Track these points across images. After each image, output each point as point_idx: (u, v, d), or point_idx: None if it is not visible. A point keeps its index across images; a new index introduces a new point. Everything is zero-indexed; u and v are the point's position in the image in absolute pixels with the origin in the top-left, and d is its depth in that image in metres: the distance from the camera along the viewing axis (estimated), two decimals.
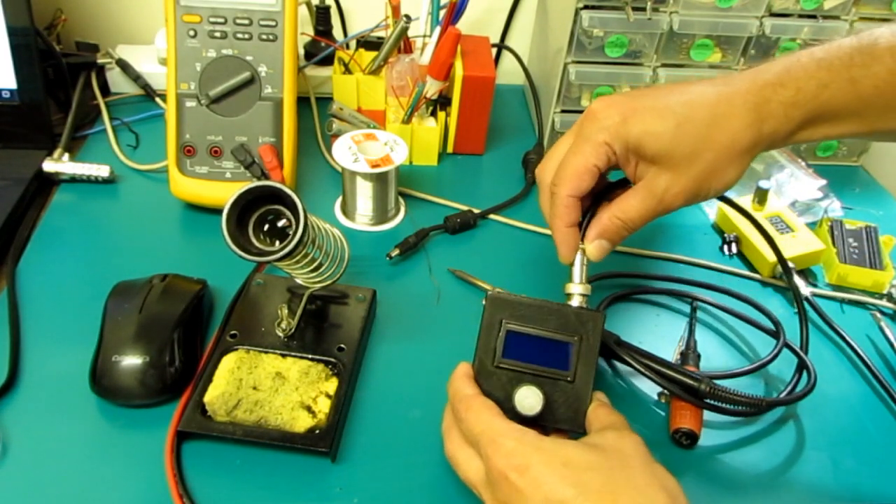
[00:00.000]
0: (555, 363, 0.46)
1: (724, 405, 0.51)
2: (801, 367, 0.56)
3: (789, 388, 0.55)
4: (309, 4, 0.85)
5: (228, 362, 0.52)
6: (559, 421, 0.45)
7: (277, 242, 0.47)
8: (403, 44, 0.78)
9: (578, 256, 0.49)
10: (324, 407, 0.50)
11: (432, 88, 0.75)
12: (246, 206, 0.47)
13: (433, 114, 0.78)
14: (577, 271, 0.49)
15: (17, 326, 0.56)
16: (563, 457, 0.38)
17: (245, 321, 0.55)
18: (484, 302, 0.47)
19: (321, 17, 0.84)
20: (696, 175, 0.44)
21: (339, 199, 0.72)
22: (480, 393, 0.44)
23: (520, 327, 0.46)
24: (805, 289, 0.64)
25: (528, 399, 0.44)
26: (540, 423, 0.45)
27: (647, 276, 0.66)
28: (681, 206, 0.46)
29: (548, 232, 0.70)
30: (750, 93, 0.44)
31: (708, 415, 0.53)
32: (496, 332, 0.46)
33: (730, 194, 0.75)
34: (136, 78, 0.81)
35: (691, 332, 0.60)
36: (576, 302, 0.48)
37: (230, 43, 0.65)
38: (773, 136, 0.44)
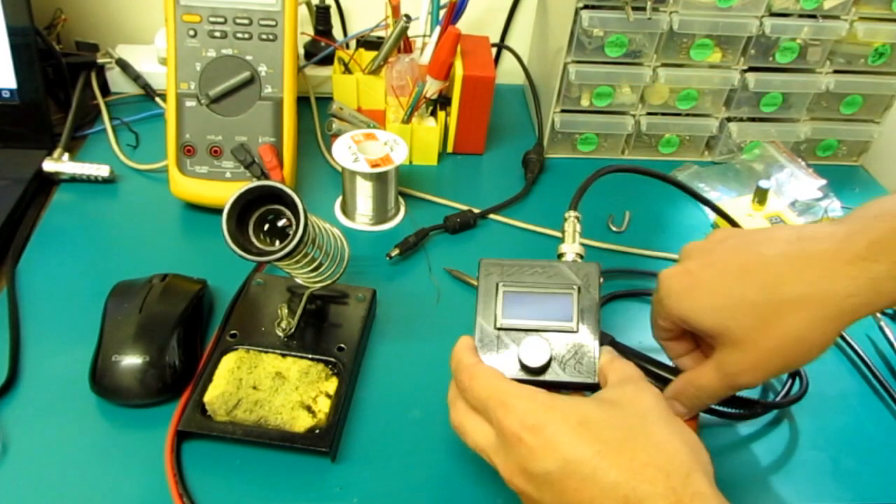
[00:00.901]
0: (556, 316, 0.45)
1: (718, 407, 0.50)
2: (794, 372, 0.56)
3: (783, 391, 0.55)
4: (309, 4, 0.85)
5: (228, 362, 0.52)
6: (569, 373, 0.44)
7: (277, 242, 0.47)
8: (403, 43, 0.78)
9: (572, 222, 0.50)
10: (324, 407, 0.50)
11: (432, 88, 0.75)
12: (246, 205, 0.47)
13: (433, 113, 0.78)
14: (570, 234, 0.49)
15: (17, 326, 0.56)
16: (579, 415, 0.37)
17: (245, 321, 0.55)
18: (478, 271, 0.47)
19: (321, 17, 0.84)
20: (764, 351, 0.40)
21: (339, 199, 0.72)
22: (482, 361, 0.43)
23: (517, 288, 0.46)
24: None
25: (534, 348, 0.43)
26: (550, 383, 0.44)
27: (646, 273, 0.66)
28: (759, 383, 0.43)
29: (548, 231, 0.70)
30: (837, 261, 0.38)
31: (705, 416, 0.53)
32: (493, 296, 0.46)
33: (729, 193, 0.76)
34: (135, 78, 0.81)
35: None
36: (569, 259, 0.49)
37: (230, 43, 0.65)
38: (858, 311, 0.39)
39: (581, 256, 0.49)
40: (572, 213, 0.52)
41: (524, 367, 0.44)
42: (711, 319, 0.41)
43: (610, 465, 0.35)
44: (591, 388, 0.44)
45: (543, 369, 0.44)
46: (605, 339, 0.53)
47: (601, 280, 0.46)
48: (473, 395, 0.40)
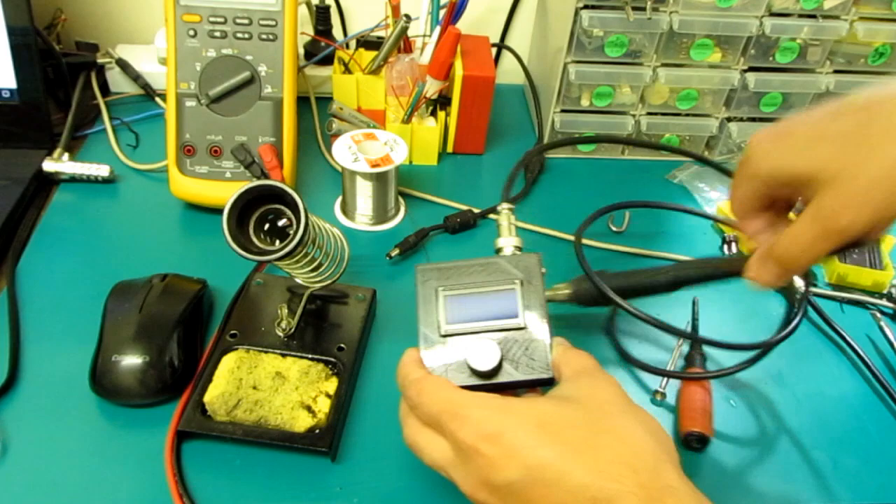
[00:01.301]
0: (501, 314, 0.43)
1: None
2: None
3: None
4: (309, 4, 0.85)
5: (228, 362, 0.52)
6: (522, 371, 0.42)
7: (278, 242, 0.47)
8: (403, 43, 0.78)
9: (506, 214, 0.49)
10: (324, 406, 0.50)
11: (432, 88, 0.75)
12: (246, 205, 0.47)
13: (433, 113, 0.78)
14: (505, 227, 0.48)
15: (17, 326, 0.56)
16: (537, 417, 0.36)
17: (245, 321, 0.55)
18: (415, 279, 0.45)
19: (321, 17, 0.84)
20: (863, 184, 0.36)
21: (339, 199, 0.72)
22: (430, 373, 0.41)
23: (457, 290, 0.44)
24: (805, 288, 0.63)
25: (483, 351, 0.41)
26: (505, 385, 0.42)
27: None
28: (861, 229, 0.37)
29: (548, 231, 0.70)
30: None
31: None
32: (434, 302, 0.44)
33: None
34: (135, 77, 0.81)
35: (694, 329, 0.60)
36: (508, 252, 0.48)
37: (230, 42, 0.65)
38: None
39: (519, 249, 0.48)
40: (505, 206, 0.50)
41: (475, 373, 0.42)
42: (803, 160, 0.38)
43: (574, 467, 0.34)
44: (547, 383, 0.42)
45: (495, 371, 0.42)
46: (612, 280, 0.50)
47: (543, 270, 0.45)
48: (424, 411, 0.39)
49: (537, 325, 0.43)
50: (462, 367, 0.42)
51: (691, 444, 0.51)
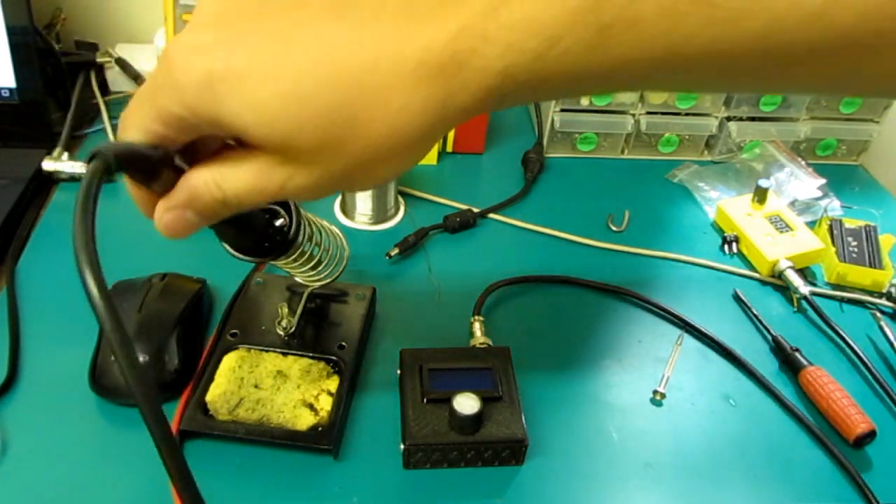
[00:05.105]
0: (480, 385, 0.49)
1: None
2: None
3: None
4: None
5: (229, 361, 0.52)
6: (500, 430, 0.48)
7: None
8: None
9: (478, 324, 0.57)
10: (325, 404, 0.50)
11: None
12: None
13: None
14: (478, 332, 0.56)
15: (17, 326, 0.56)
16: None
17: (245, 320, 0.55)
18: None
19: None
20: (328, 173, 0.29)
21: (339, 199, 0.72)
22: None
23: (439, 364, 0.51)
24: (804, 288, 0.64)
25: (467, 401, 0.47)
26: (482, 443, 0.47)
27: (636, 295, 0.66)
28: (308, 199, 0.31)
29: (547, 231, 0.70)
30: (431, 53, 0.26)
31: (698, 416, 0.53)
32: (418, 376, 0.50)
33: (729, 193, 0.76)
34: (135, 77, 0.81)
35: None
36: (479, 346, 0.55)
37: None
38: (464, 113, 0.28)
39: (489, 345, 0.55)
40: (478, 318, 0.58)
41: (457, 419, 0.46)
42: (269, 130, 0.28)
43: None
44: (520, 442, 0.48)
45: (477, 419, 0.47)
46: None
47: (511, 357, 0.52)
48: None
49: (512, 398, 0.49)
50: (442, 426, 0.48)
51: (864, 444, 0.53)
